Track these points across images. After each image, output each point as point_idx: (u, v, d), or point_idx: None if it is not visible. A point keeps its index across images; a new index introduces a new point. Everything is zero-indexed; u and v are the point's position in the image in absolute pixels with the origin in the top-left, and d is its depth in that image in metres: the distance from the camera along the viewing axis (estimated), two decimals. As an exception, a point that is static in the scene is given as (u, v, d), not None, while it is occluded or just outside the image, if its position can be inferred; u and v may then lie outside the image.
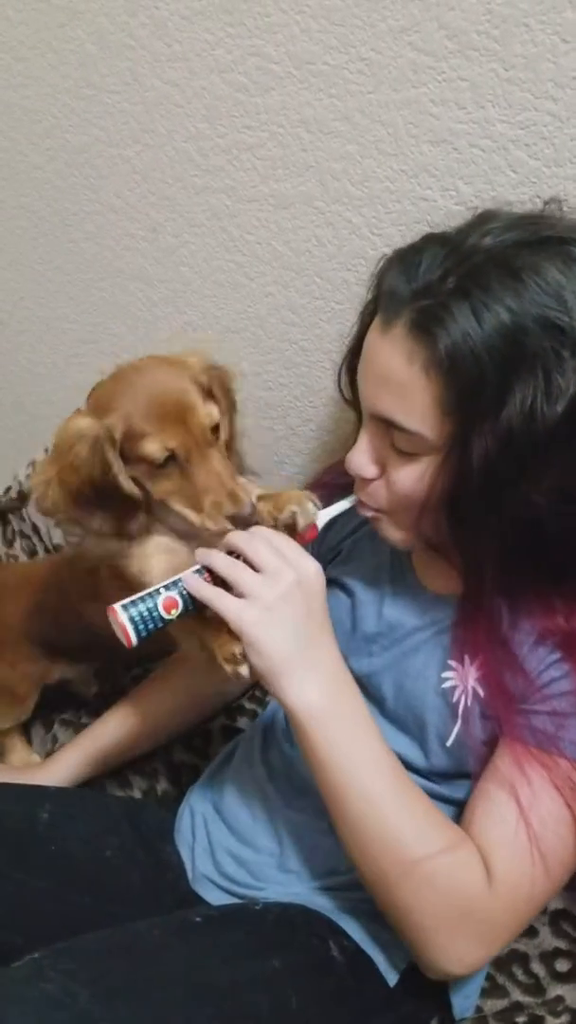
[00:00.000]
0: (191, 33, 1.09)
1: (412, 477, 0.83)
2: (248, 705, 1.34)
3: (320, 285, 1.18)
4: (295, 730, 0.84)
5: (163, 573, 0.94)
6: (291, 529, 0.90)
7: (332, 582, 1.07)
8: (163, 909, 1.04)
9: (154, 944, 0.83)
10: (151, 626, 0.83)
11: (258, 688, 1.34)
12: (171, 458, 0.88)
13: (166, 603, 0.83)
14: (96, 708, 1.37)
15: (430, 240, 0.83)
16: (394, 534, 0.92)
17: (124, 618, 0.81)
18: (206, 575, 0.85)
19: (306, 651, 0.82)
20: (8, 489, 1.68)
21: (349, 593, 1.04)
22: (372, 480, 0.88)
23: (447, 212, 1.01)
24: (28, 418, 1.79)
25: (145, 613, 0.82)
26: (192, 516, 0.90)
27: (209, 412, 0.89)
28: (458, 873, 0.81)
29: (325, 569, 1.08)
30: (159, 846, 1.11)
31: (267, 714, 1.16)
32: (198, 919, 0.89)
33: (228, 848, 1.05)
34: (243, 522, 0.88)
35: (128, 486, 0.89)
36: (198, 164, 1.19)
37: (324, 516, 0.92)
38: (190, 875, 1.08)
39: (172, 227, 1.28)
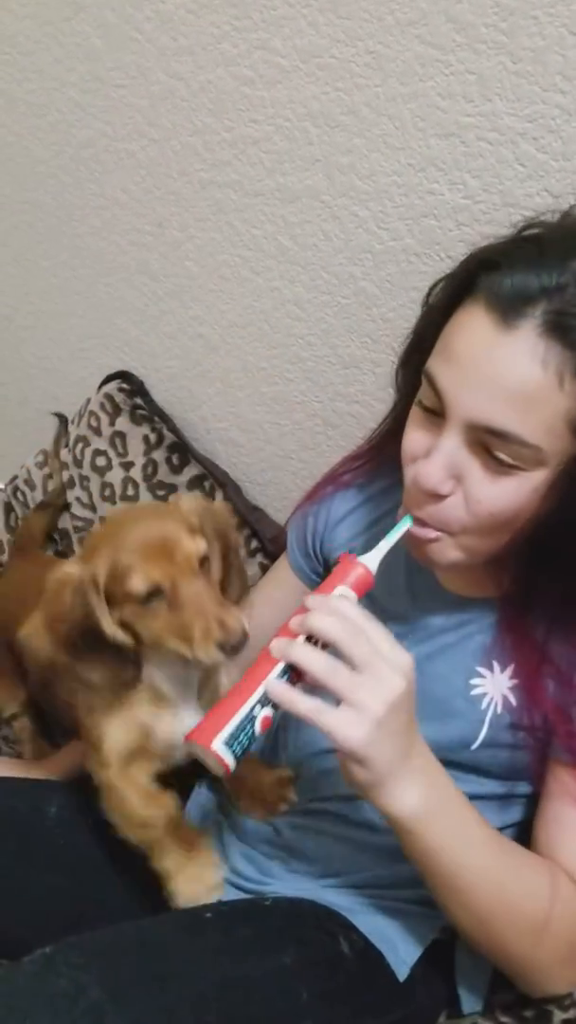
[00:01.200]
0: (197, 27, 1.09)
1: (507, 493, 0.76)
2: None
3: (326, 280, 1.18)
4: (398, 833, 0.79)
5: (120, 748, 0.96)
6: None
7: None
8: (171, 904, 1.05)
9: (164, 939, 0.83)
10: (245, 752, 0.75)
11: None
12: (157, 593, 0.86)
13: (263, 723, 0.74)
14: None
15: (541, 240, 0.77)
16: (451, 555, 0.83)
17: (227, 756, 0.73)
18: (292, 675, 0.75)
19: (408, 759, 0.76)
20: (14, 478, 1.68)
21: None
22: (444, 497, 0.78)
23: (454, 206, 1.01)
24: (34, 413, 1.79)
25: (244, 741, 0.74)
26: (184, 649, 0.86)
27: (196, 544, 0.88)
28: (569, 915, 0.80)
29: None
30: (167, 840, 1.11)
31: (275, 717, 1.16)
32: (208, 914, 0.89)
33: (236, 845, 1.06)
34: (234, 650, 0.83)
35: (111, 629, 0.88)
36: (204, 158, 1.19)
37: (374, 560, 0.81)
38: (198, 869, 1.08)
39: (178, 221, 1.28)
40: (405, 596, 0.98)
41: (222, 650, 0.84)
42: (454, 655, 0.91)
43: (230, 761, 0.72)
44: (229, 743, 0.72)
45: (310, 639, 0.74)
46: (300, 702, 0.72)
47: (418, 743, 0.77)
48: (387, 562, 0.96)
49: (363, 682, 0.71)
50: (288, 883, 1.00)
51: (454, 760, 0.90)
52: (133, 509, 0.96)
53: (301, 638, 0.74)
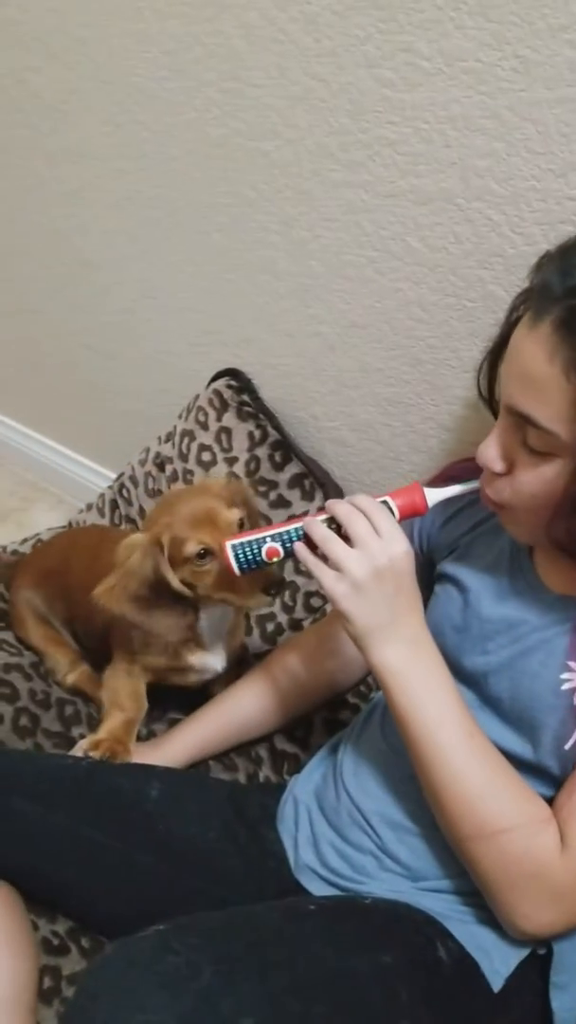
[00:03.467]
0: (341, 28, 1.10)
1: (540, 479, 0.82)
2: (351, 699, 1.34)
3: (453, 282, 1.18)
4: (381, 687, 0.92)
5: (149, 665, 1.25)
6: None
7: (447, 578, 1.07)
8: (264, 895, 1.05)
9: (272, 927, 0.84)
10: (253, 566, 0.98)
11: (365, 684, 1.34)
12: (208, 554, 1.09)
13: (268, 551, 0.97)
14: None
15: None
16: (514, 529, 0.92)
17: (229, 552, 0.97)
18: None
19: (391, 624, 0.90)
20: (120, 475, 1.72)
21: (463, 590, 1.03)
22: (500, 475, 0.87)
23: (594, 213, 1.00)
24: (144, 405, 1.83)
25: (249, 554, 0.97)
26: (233, 599, 1.11)
27: (232, 514, 1.11)
28: (530, 839, 0.84)
29: (441, 564, 1.08)
30: (262, 832, 1.12)
31: (362, 717, 1.17)
32: (312, 907, 0.90)
33: (331, 841, 1.06)
34: (275, 593, 1.10)
35: (175, 583, 1.11)
36: (337, 159, 1.20)
37: (435, 496, 0.95)
38: (292, 864, 1.09)
39: (306, 221, 1.29)
40: (507, 595, 0.98)
41: (266, 593, 1.09)
42: (547, 651, 0.92)
43: (232, 560, 0.97)
44: (235, 548, 0.97)
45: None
46: (307, 556, 0.93)
47: (408, 620, 0.91)
48: (492, 564, 0.99)
49: (353, 554, 0.88)
50: (383, 883, 1.00)
51: (545, 767, 0.90)
52: (180, 490, 1.23)
53: (323, 517, 0.94)
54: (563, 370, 0.75)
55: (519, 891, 0.85)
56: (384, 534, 0.89)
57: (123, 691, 1.26)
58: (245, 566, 0.98)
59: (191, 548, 1.08)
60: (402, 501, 0.94)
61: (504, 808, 0.86)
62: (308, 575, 1.41)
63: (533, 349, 0.78)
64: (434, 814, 0.92)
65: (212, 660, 1.26)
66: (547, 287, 0.78)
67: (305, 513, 1.43)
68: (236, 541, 0.97)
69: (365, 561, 0.88)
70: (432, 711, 0.89)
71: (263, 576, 1.06)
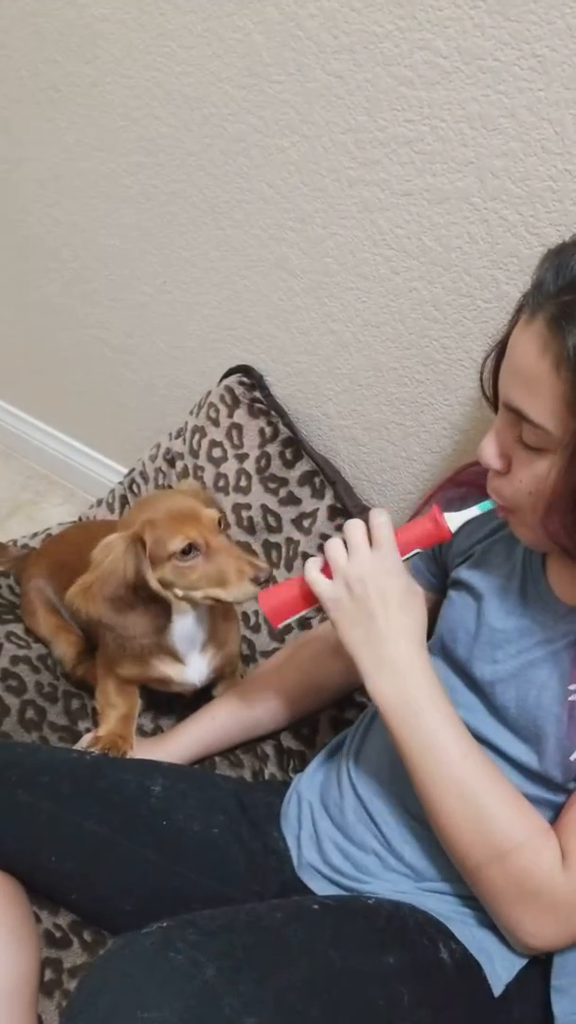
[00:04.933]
0: (360, 25, 1.09)
1: (535, 474, 0.82)
2: (359, 698, 1.34)
3: (468, 282, 1.17)
4: (379, 715, 0.93)
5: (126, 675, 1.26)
6: None
7: (460, 585, 1.07)
8: (267, 893, 1.05)
9: (276, 926, 0.84)
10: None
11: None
12: (193, 549, 1.08)
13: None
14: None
15: None
16: (522, 532, 0.92)
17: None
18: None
19: (376, 647, 0.92)
20: (131, 471, 1.72)
21: (476, 597, 1.03)
22: (501, 474, 0.88)
23: (611, 214, 0.99)
24: (159, 399, 1.83)
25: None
26: (222, 592, 1.10)
27: (212, 512, 1.12)
28: (531, 858, 0.84)
29: (456, 570, 1.08)
30: (266, 829, 1.12)
31: (368, 713, 1.16)
32: (316, 906, 0.89)
33: (333, 839, 1.06)
34: (264, 583, 1.08)
35: (155, 584, 1.09)
36: (354, 156, 1.19)
37: (457, 520, 0.96)
38: (295, 862, 1.09)
39: (321, 218, 1.28)
40: (518, 605, 0.98)
41: (255, 583, 1.08)
42: (555, 662, 0.92)
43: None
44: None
45: None
46: (317, 579, 0.96)
47: (397, 644, 0.92)
48: (506, 572, 0.99)
49: (346, 556, 0.93)
50: (386, 883, 1.00)
51: (550, 777, 0.90)
52: (155, 493, 1.27)
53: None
54: (553, 365, 0.76)
55: (521, 908, 0.86)
56: (378, 544, 0.93)
57: (112, 690, 1.26)
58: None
59: (176, 544, 1.08)
60: (425, 531, 0.96)
61: (502, 829, 0.86)
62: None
63: (527, 345, 0.79)
64: (439, 837, 0.92)
65: (189, 673, 1.26)
66: (542, 284, 0.79)
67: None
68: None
69: (354, 564, 0.92)
70: (434, 746, 0.89)
71: (252, 567, 1.08)
